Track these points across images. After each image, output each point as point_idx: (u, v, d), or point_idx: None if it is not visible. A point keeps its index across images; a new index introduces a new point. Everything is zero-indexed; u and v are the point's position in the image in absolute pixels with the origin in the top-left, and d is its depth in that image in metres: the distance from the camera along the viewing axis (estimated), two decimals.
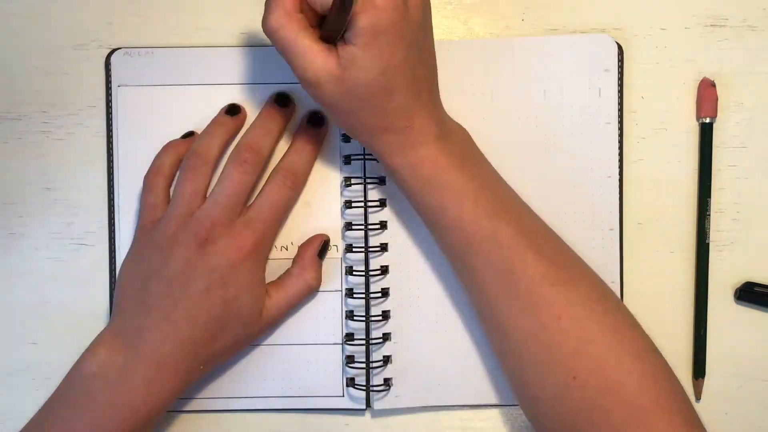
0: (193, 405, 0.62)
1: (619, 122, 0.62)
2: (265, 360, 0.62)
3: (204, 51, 0.62)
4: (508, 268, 0.54)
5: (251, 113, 0.62)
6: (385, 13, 0.50)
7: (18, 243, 0.63)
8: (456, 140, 0.57)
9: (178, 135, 0.62)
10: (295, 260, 0.61)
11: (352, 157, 0.61)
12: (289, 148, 0.61)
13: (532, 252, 0.54)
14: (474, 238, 0.55)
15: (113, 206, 0.62)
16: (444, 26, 0.63)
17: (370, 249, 0.61)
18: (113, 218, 0.62)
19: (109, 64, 0.62)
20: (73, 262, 0.63)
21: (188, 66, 0.62)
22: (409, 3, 0.52)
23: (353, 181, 0.61)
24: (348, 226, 0.61)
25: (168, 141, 0.61)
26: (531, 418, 0.57)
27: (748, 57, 0.62)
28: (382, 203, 0.61)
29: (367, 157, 0.61)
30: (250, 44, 0.63)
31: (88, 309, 0.63)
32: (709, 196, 0.62)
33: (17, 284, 0.63)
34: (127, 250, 0.60)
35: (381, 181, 0.61)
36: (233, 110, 0.61)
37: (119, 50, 0.62)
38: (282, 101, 0.61)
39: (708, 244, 0.62)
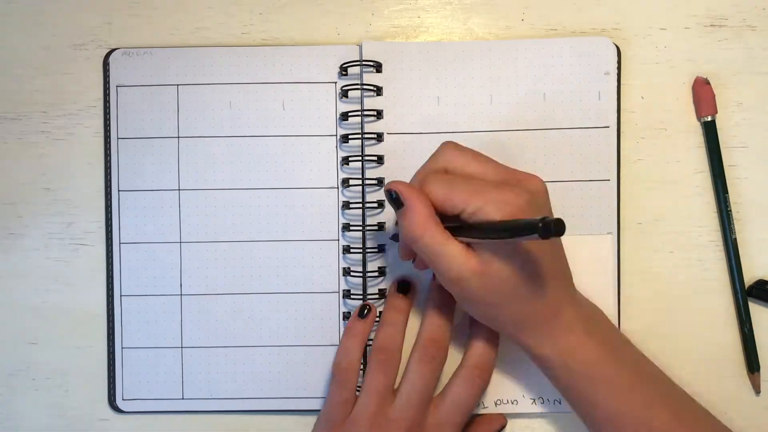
0: (191, 406, 0.62)
1: (617, 126, 0.62)
2: (263, 362, 0.62)
3: (203, 51, 0.62)
4: None
5: (247, 114, 0.62)
6: (517, 209, 0.50)
7: (17, 243, 0.63)
8: (597, 323, 0.57)
9: (177, 135, 0.62)
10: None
11: (350, 159, 0.61)
12: (469, 341, 0.59)
13: None
14: (629, 429, 0.53)
15: (110, 206, 0.62)
16: (443, 26, 0.63)
17: (368, 250, 0.61)
18: (110, 218, 0.62)
19: (107, 64, 0.62)
20: (73, 262, 0.63)
21: (187, 66, 0.62)
22: (532, 190, 0.52)
23: (351, 182, 0.61)
24: (346, 227, 0.61)
25: (350, 323, 0.60)
26: None
27: (748, 57, 0.62)
28: (380, 205, 0.61)
29: (365, 157, 0.61)
30: (249, 44, 0.63)
31: (87, 309, 0.63)
32: (727, 192, 0.61)
33: (17, 284, 0.63)
34: (122, 251, 0.61)
35: (379, 183, 0.61)
36: (404, 288, 0.61)
37: (117, 50, 0.62)
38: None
39: (735, 239, 0.62)
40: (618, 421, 0.53)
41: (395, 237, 0.61)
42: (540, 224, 0.44)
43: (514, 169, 0.54)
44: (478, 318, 0.56)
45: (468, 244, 0.52)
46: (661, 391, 0.55)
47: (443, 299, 0.59)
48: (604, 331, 0.56)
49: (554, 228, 0.44)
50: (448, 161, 0.54)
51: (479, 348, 0.58)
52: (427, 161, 0.55)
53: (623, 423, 0.53)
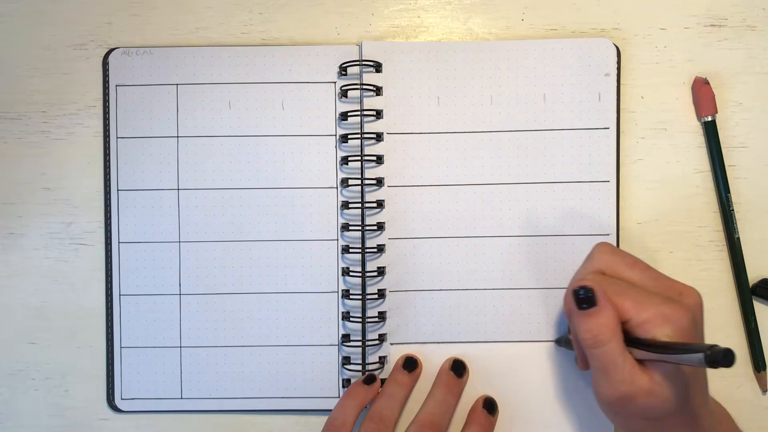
0: (190, 405, 0.62)
1: (616, 128, 0.61)
2: (262, 361, 0.62)
3: (202, 50, 0.62)
4: None
5: (246, 113, 0.62)
6: (681, 327, 0.49)
7: (17, 243, 0.63)
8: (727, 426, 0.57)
9: (177, 134, 0.62)
10: None
11: (350, 159, 0.61)
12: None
13: None
14: None
15: (110, 206, 0.62)
16: (443, 26, 0.63)
17: (367, 250, 0.61)
18: (110, 218, 0.62)
19: (107, 63, 0.62)
20: (72, 262, 0.63)
21: (187, 66, 0.62)
22: (693, 306, 0.51)
23: (350, 182, 0.61)
24: (345, 227, 0.61)
25: (353, 387, 0.60)
26: None
27: (748, 57, 0.62)
28: (380, 204, 0.61)
29: (364, 157, 0.61)
30: (249, 44, 0.63)
31: (87, 309, 0.63)
32: (729, 191, 0.61)
33: (16, 284, 0.63)
34: (122, 251, 0.61)
35: (378, 183, 0.61)
36: (410, 365, 0.61)
37: (117, 50, 0.62)
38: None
39: (738, 238, 0.61)
40: None
41: (562, 341, 0.60)
42: (709, 353, 0.44)
43: (672, 280, 0.53)
44: (622, 429, 0.55)
45: (641, 364, 0.51)
46: None
47: (451, 385, 0.59)
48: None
49: (722, 359, 0.44)
50: (606, 265, 0.53)
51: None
52: (583, 263, 0.55)
53: None
